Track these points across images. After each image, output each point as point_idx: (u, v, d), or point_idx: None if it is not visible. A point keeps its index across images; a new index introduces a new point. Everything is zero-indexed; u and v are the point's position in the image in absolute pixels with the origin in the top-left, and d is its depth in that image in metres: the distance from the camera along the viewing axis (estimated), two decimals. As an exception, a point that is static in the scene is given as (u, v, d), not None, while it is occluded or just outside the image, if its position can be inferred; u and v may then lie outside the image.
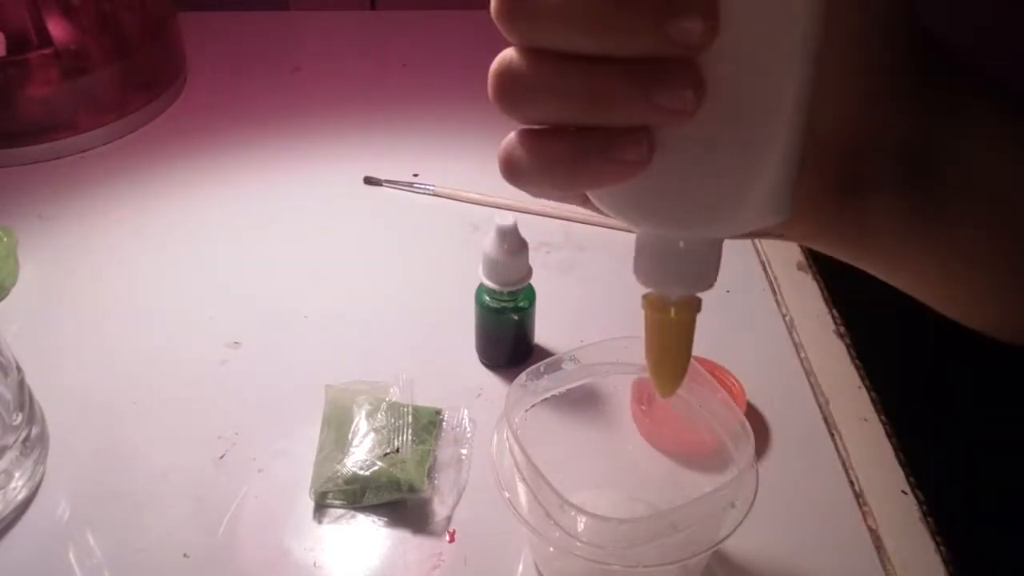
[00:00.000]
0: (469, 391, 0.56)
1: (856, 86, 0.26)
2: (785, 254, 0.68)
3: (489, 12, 0.21)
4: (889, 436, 0.54)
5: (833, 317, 0.62)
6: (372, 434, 0.51)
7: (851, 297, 0.65)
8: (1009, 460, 0.59)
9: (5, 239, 0.65)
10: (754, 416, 0.55)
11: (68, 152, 0.78)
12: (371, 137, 0.82)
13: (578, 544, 0.39)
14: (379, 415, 0.52)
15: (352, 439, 0.51)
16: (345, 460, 0.50)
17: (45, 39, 0.74)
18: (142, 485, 0.51)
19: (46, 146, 0.77)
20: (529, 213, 0.71)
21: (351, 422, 0.52)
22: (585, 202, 0.27)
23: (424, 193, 0.74)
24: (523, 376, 0.45)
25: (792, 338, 0.61)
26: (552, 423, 0.47)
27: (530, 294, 0.56)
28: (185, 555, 0.47)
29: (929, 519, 0.49)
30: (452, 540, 0.48)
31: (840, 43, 0.25)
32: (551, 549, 0.45)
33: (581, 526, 0.39)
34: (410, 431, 0.51)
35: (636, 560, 0.39)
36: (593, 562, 0.40)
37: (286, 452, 0.52)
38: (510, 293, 0.54)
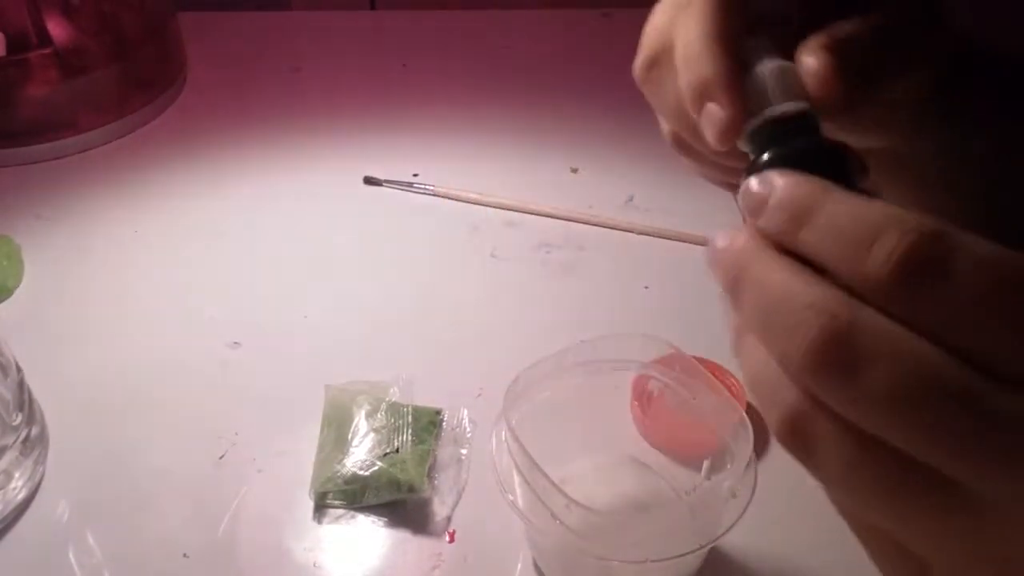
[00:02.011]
0: (469, 391, 0.56)
1: None
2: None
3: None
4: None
5: (833, 317, 0.62)
6: (372, 434, 0.51)
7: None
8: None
9: (11, 242, 0.65)
10: (754, 416, 0.55)
11: (68, 152, 0.78)
12: (371, 137, 0.82)
13: (585, 541, 0.40)
14: (379, 415, 0.52)
15: (352, 439, 0.51)
16: (345, 460, 0.50)
17: (45, 39, 0.74)
18: (142, 485, 0.51)
19: (46, 146, 0.77)
20: (529, 213, 0.71)
21: (351, 422, 0.52)
22: None
23: (424, 193, 0.74)
24: (519, 376, 0.45)
25: (792, 338, 0.61)
26: (550, 422, 0.47)
27: None
28: (185, 555, 0.47)
29: (929, 519, 0.49)
30: (452, 540, 0.48)
31: None
32: (553, 547, 0.45)
33: (586, 523, 0.40)
34: (410, 431, 0.51)
35: (643, 555, 0.39)
36: (598, 559, 0.40)
37: (286, 452, 0.52)
38: None
